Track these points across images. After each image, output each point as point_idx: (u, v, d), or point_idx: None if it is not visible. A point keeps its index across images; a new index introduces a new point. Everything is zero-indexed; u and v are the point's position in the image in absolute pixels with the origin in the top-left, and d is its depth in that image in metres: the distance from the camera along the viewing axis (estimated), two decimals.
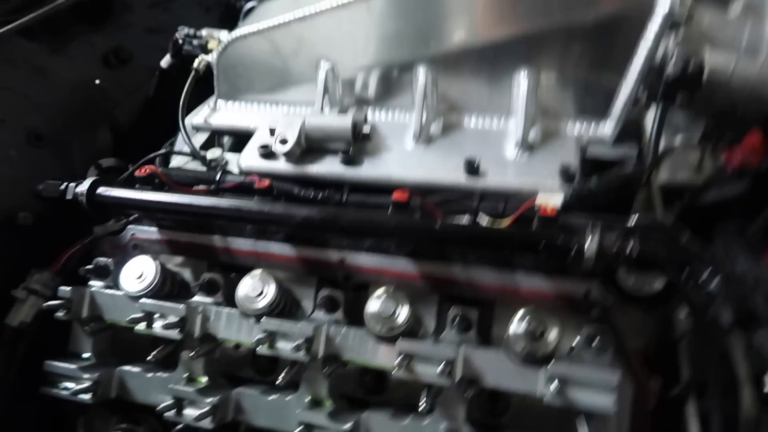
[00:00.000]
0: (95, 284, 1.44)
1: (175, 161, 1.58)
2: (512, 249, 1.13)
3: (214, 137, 1.68)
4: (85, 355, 1.45)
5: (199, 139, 1.65)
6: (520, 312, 1.17)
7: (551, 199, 1.19)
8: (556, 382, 1.10)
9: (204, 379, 1.34)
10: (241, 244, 1.45)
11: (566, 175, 1.25)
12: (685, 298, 1.16)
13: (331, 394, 1.28)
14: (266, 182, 1.28)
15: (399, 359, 1.16)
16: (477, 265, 1.32)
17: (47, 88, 1.69)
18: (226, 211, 1.24)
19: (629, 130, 1.43)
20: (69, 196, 1.33)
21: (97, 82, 1.78)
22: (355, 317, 1.30)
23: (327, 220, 1.18)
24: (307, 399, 1.28)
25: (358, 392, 1.41)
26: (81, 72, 1.79)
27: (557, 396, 1.10)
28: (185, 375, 1.35)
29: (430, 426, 1.22)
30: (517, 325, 1.16)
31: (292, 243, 1.42)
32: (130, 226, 1.51)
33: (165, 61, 1.79)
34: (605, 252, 1.04)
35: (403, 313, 1.21)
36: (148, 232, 1.50)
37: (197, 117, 1.65)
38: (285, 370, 1.24)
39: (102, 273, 1.43)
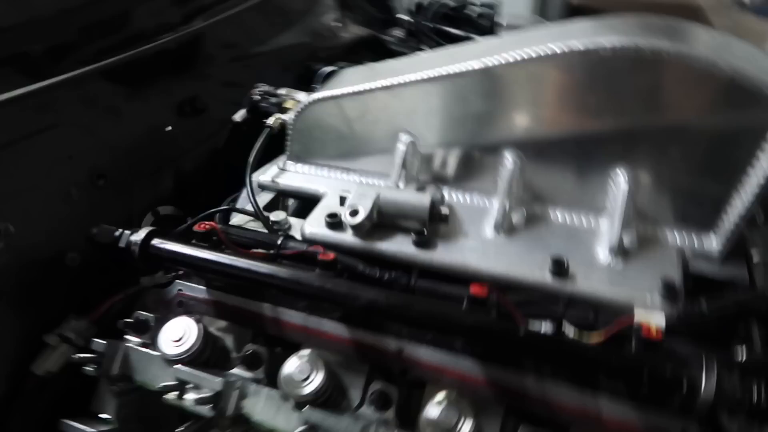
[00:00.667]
0: (132, 340, 1.34)
1: (236, 219, 1.49)
2: (606, 373, 0.96)
3: (279, 199, 1.60)
4: (106, 416, 1.33)
5: (264, 199, 1.58)
6: None
7: (652, 317, 1.04)
8: None
9: None
10: (292, 316, 1.33)
11: (670, 292, 1.09)
12: None
13: None
14: (331, 255, 1.17)
15: None
16: (554, 380, 1.16)
17: (118, 129, 1.66)
18: (285, 281, 1.13)
19: (736, 247, 1.28)
20: (122, 244, 1.24)
21: (169, 128, 1.74)
22: (406, 419, 1.14)
23: (395, 306, 1.06)
24: None
25: None
26: (154, 117, 1.76)
27: None
28: None
29: None
30: None
31: (348, 323, 1.29)
32: (177, 281, 1.42)
33: (239, 115, 1.74)
34: (726, 395, 0.87)
35: (466, 426, 1.05)
36: (196, 290, 1.40)
37: (264, 175, 1.57)
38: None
39: (141, 328, 1.33)
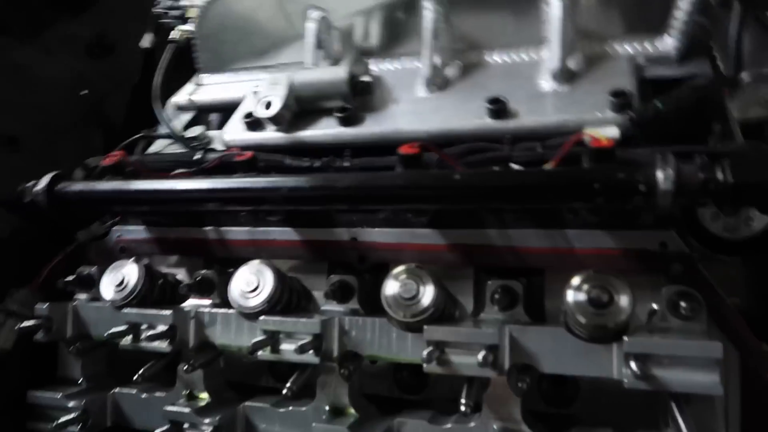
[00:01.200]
0: (79, 297, 1.26)
1: (156, 146, 1.38)
2: (559, 196, 0.86)
3: (201, 117, 1.48)
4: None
5: (183, 120, 1.45)
6: (578, 276, 0.91)
7: (604, 131, 0.92)
8: (635, 361, 0.84)
9: (205, 395, 1.13)
10: (237, 234, 1.24)
11: (620, 101, 0.97)
12: None
13: (353, 399, 1.05)
14: (248, 154, 1.06)
15: (428, 351, 0.92)
16: (518, 227, 1.07)
17: (24, 87, 1.52)
18: (197, 192, 1.02)
19: (696, 48, 1.14)
20: (28, 199, 1.13)
21: (84, 92, 1.60)
22: (376, 306, 1.06)
23: (319, 188, 0.95)
24: (326, 408, 1.05)
25: (393, 391, 1.18)
26: (61, 66, 1.61)
27: (640, 378, 0.84)
28: (185, 392, 1.14)
29: (478, 429, 0.97)
30: (575, 292, 0.90)
31: (294, 226, 1.20)
32: (115, 228, 1.33)
33: (147, 40, 1.57)
34: (688, 183, 0.76)
35: (427, 294, 0.96)
36: (136, 232, 1.31)
37: (180, 96, 1.44)
38: (293, 377, 1.02)
39: (86, 283, 1.24)
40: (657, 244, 0.99)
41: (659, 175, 0.76)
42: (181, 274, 1.27)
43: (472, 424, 0.98)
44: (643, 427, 0.96)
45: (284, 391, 0.98)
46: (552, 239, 1.04)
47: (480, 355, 0.89)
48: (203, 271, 1.18)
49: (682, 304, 0.89)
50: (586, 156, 0.87)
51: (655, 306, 0.98)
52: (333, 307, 1.10)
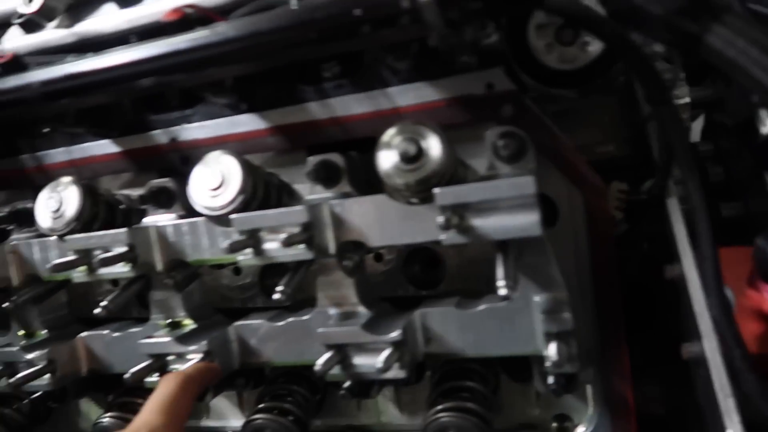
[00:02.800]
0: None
1: None
2: (317, 36, 0.72)
3: None
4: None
5: None
6: (386, 133, 0.79)
7: None
8: (451, 213, 0.74)
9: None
10: (54, 156, 1.11)
11: None
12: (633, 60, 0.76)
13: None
14: (8, 55, 0.91)
15: (230, 244, 0.81)
16: (339, 95, 0.95)
17: None
18: None
19: None
20: None
21: None
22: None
23: (82, 74, 0.81)
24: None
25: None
26: None
27: (459, 231, 0.74)
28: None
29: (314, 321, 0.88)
30: (385, 150, 0.79)
31: (112, 136, 1.07)
32: None
33: None
34: None
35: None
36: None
37: None
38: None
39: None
40: (483, 87, 0.87)
41: None
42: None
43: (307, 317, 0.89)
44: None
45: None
46: (375, 101, 0.93)
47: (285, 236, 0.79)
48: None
49: (500, 143, 0.78)
50: None
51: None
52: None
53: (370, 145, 0.92)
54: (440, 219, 0.74)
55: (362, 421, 1.05)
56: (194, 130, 1.02)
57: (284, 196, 0.97)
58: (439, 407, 0.87)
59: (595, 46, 0.86)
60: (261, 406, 0.97)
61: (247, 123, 0.99)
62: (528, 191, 0.72)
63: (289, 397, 0.98)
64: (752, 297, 1.01)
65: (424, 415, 0.89)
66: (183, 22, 0.81)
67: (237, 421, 1.09)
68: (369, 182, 0.87)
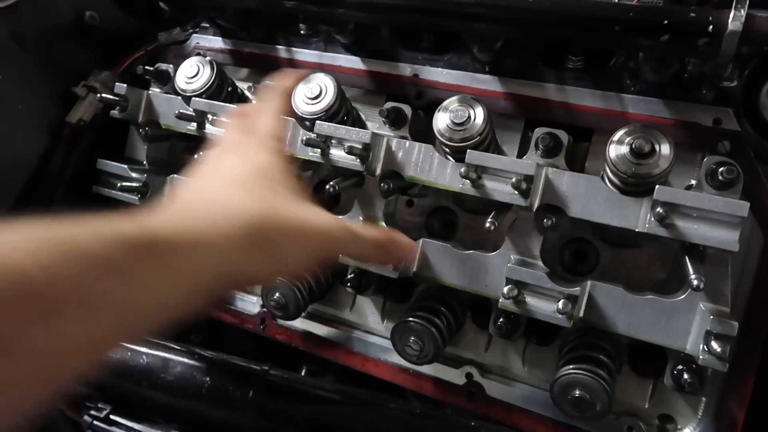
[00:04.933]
0: (154, 90, 1.36)
1: None
2: (627, 28, 0.86)
3: None
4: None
5: None
6: (624, 128, 0.93)
7: None
8: (660, 207, 0.88)
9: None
10: (307, 55, 1.30)
11: None
12: None
13: (386, 216, 1.12)
14: None
15: (466, 168, 0.97)
16: (576, 86, 1.09)
17: None
18: None
19: None
20: None
21: None
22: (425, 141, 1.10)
23: None
24: (360, 219, 1.13)
25: (422, 235, 1.25)
26: None
27: (661, 224, 0.87)
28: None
29: (496, 257, 1.04)
30: (617, 146, 0.93)
31: (361, 55, 1.25)
32: (194, 35, 1.41)
33: None
34: (755, 28, 0.77)
35: (479, 118, 1.00)
36: (213, 41, 1.39)
37: None
38: (336, 180, 1.08)
39: (162, 78, 1.34)
40: (711, 120, 1.00)
41: (731, 15, 0.77)
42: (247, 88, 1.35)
43: (492, 254, 1.05)
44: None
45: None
46: (607, 100, 1.07)
47: (514, 179, 0.94)
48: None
49: (721, 170, 0.91)
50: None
51: (692, 182, 1.01)
52: (385, 132, 1.16)
53: (586, 135, 1.08)
54: (654, 213, 0.87)
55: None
56: (436, 73, 1.18)
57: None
58: (572, 366, 1.01)
59: None
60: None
61: (486, 82, 1.15)
62: (740, 213, 0.84)
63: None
64: None
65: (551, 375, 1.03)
66: None
67: (376, 324, 1.27)
68: None
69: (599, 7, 0.87)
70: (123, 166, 1.29)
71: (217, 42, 1.38)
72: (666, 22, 0.81)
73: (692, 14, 0.80)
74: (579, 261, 1.17)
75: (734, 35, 0.77)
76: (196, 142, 1.30)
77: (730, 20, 0.77)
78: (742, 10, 0.76)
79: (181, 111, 1.18)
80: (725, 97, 1.00)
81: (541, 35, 1.00)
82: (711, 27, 0.79)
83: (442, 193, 1.08)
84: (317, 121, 1.09)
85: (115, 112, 1.28)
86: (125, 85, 1.28)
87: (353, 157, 1.06)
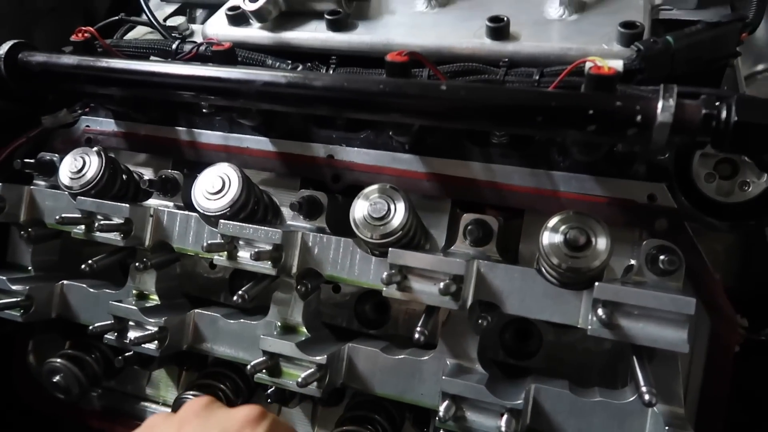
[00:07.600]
0: (38, 183, 1.20)
1: (134, 34, 1.29)
2: (551, 119, 0.78)
3: (188, 12, 1.38)
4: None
5: (166, 11, 1.36)
6: (558, 216, 0.85)
7: (608, 63, 0.85)
8: (603, 308, 0.79)
9: (155, 297, 1.09)
10: (209, 137, 1.17)
11: (630, 32, 0.90)
12: None
13: (306, 318, 1.00)
14: (226, 45, 0.98)
15: (389, 273, 0.86)
16: (502, 163, 1.01)
17: None
18: (166, 77, 0.94)
19: None
20: None
21: None
22: (345, 230, 1.00)
23: (296, 85, 0.87)
24: (278, 324, 1.01)
25: (352, 323, 1.15)
26: None
27: (606, 326, 0.79)
28: (135, 292, 1.09)
29: (431, 361, 0.93)
30: (551, 233, 0.84)
31: (271, 136, 1.13)
32: (84, 117, 1.25)
33: None
34: (688, 118, 0.70)
35: (399, 214, 0.90)
36: (105, 123, 1.24)
37: None
38: (247, 285, 0.97)
39: (46, 170, 1.19)
40: (645, 197, 0.93)
41: (659, 105, 0.69)
42: (148, 174, 1.20)
43: (425, 357, 0.94)
44: (601, 385, 0.91)
45: (235, 298, 0.93)
46: (537, 179, 0.99)
47: (442, 284, 0.84)
48: (169, 171, 1.12)
49: (662, 257, 0.84)
50: (586, 84, 0.80)
51: (632, 262, 0.93)
52: (299, 223, 1.05)
53: (516, 214, 0.99)
54: (596, 313, 0.79)
55: None
56: (353, 153, 1.08)
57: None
58: None
59: (756, 189, 0.92)
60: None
61: (406, 162, 1.05)
62: (687, 311, 0.77)
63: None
64: None
65: None
66: (403, 65, 0.87)
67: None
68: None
69: (518, 96, 0.78)
70: (2, 278, 1.12)
71: (109, 125, 1.23)
72: (591, 112, 0.73)
73: (618, 103, 0.73)
74: (522, 340, 1.08)
75: (665, 126, 0.69)
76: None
77: (659, 111, 0.69)
78: (671, 100, 0.69)
79: (63, 216, 1.02)
80: (658, 171, 0.94)
81: (458, 125, 0.91)
82: (639, 117, 0.71)
83: None
84: (221, 220, 0.97)
85: None
86: (1, 184, 1.12)
87: (264, 261, 0.94)
